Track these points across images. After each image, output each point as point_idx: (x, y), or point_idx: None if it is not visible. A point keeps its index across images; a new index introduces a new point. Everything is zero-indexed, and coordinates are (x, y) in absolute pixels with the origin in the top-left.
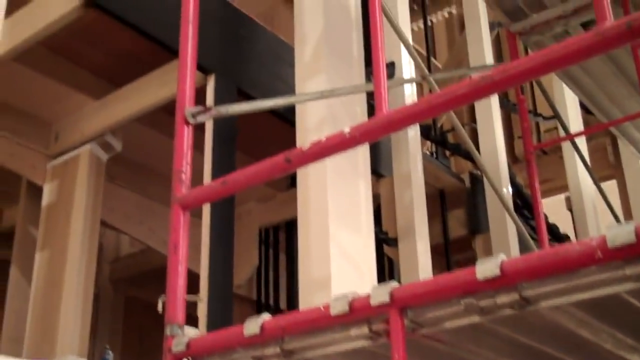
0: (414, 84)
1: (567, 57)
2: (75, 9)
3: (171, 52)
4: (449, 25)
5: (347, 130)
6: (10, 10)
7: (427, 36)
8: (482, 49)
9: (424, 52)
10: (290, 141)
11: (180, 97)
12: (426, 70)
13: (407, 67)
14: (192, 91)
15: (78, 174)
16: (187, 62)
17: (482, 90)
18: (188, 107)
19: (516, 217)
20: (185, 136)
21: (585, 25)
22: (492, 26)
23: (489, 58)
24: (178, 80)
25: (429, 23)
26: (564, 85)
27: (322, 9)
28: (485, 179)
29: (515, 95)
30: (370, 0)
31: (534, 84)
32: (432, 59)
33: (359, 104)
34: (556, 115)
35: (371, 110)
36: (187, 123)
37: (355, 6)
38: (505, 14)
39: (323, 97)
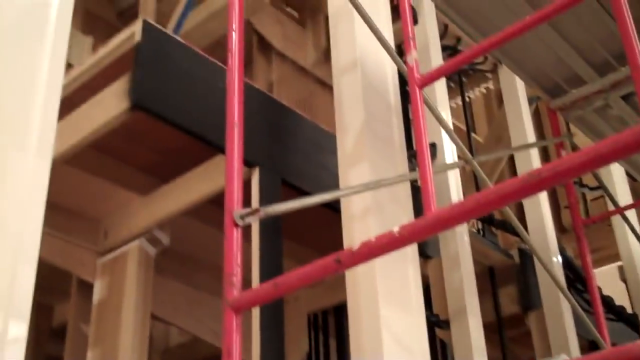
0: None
1: (617, 151)
2: (122, 112)
3: (215, 147)
4: (487, 100)
5: (396, 229)
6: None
7: (466, 112)
8: (522, 124)
9: (463, 127)
10: (335, 225)
11: (229, 200)
12: (469, 154)
13: (449, 147)
14: (239, 193)
15: (127, 270)
16: (233, 165)
17: (531, 188)
18: (236, 209)
19: (568, 293)
20: (235, 239)
21: (626, 98)
22: (530, 100)
23: (530, 133)
24: (225, 182)
25: (467, 99)
26: None
27: (361, 98)
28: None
29: None
30: (411, 90)
31: None
32: (473, 134)
33: (404, 188)
34: (602, 187)
35: (414, 191)
36: (236, 225)
37: (394, 92)
38: (543, 91)
39: (368, 189)
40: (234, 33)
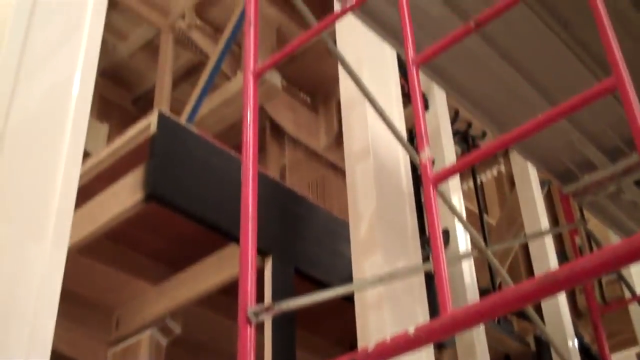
0: (470, 244)
1: (633, 254)
2: (136, 203)
3: (228, 236)
4: (499, 183)
5: (411, 330)
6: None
7: (478, 195)
8: (534, 208)
9: (475, 209)
10: (349, 314)
11: (242, 296)
12: (482, 243)
13: (462, 233)
14: (253, 288)
15: None
16: (248, 260)
17: (547, 290)
18: (250, 306)
19: None
20: (248, 336)
21: (639, 183)
22: (542, 184)
23: (543, 217)
24: (239, 278)
25: (479, 182)
26: None
27: (374, 186)
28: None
29: (574, 254)
30: (425, 188)
31: (591, 240)
32: (485, 217)
33: (417, 276)
34: (618, 275)
35: (428, 278)
36: (250, 323)
37: (407, 178)
38: (555, 176)
39: (382, 282)
40: (247, 126)
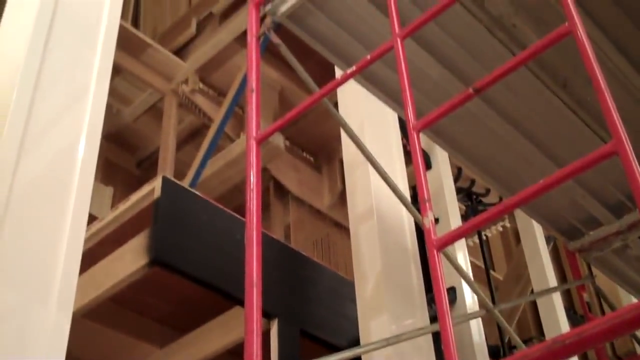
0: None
1: None
2: (141, 268)
3: (233, 299)
4: (504, 237)
5: None
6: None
7: (484, 251)
8: (541, 263)
9: (481, 264)
10: None
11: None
12: (489, 303)
13: (469, 291)
14: (259, 353)
15: None
16: (253, 326)
17: (555, 355)
18: None
19: None
20: None
21: None
22: (548, 239)
23: (549, 272)
24: (245, 342)
25: (484, 237)
26: (632, 297)
27: (378, 246)
28: None
29: (583, 310)
30: (429, 252)
31: (601, 298)
32: (492, 272)
33: (425, 337)
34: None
35: (436, 337)
36: None
37: (411, 237)
38: (560, 233)
39: (389, 345)
40: (251, 192)
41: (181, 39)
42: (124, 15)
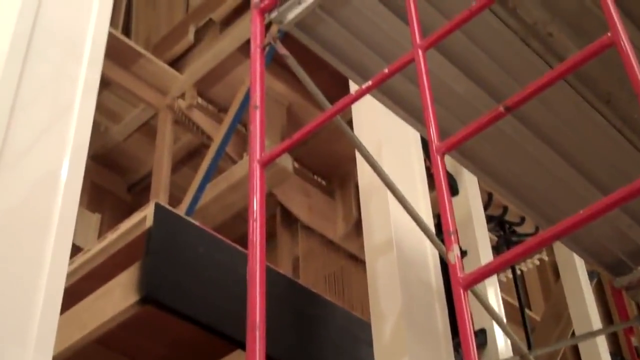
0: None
1: None
2: (131, 306)
3: (233, 342)
4: (541, 272)
5: None
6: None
7: (518, 287)
8: (583, 302)
9: (515, 302)
10: None
11: None
12: (524, 348)
13: (501, 334)
14: None
15: None
16: None
17: None
18: None
19: None
20: None
21: None
22: (591, 274)
23: (593, 311)
24: None
25: (519, 272)
26: None
27: (398, 282)
28: None
29: (631, 356)
30: (455, 291)
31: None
32: (527, 311)
33: None
34: None
35: None
36: None
37: (435, 272)
38: (605, 268)
39: None
40: (254, 222)
41: (177, 49)
42: (113, 23)
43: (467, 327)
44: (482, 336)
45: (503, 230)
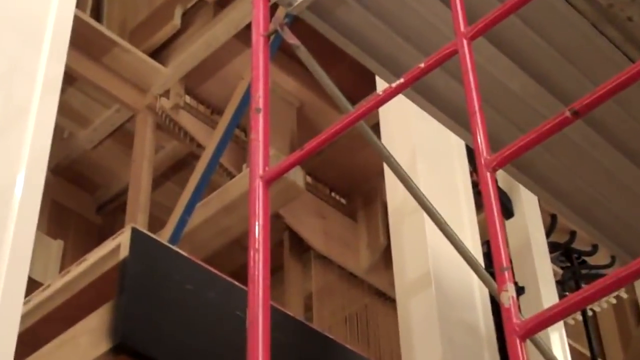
0: None
1: None
2: (102, 355)
3: None
4: (618, 313)
5: None
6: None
7: (589, 332)
8: None
9: (586, 351)
10: None
11: None
12: None
13: None
14: None
15: None
16: None
17: None
18: None
19: None
20: None
21: None
22: None
23: None
24: None
25: (590, 312)
26: None
27: (437, 327)
28: None
29: None
30: (509, 343)
31: None
32: None
33: None
34: None
35: None
36: None
37: (485, 319)
38: None
39: None
40: (256, 252)
41: (160, 36)
42: (80, 4)
43: None
44: None
45: (570, 261)
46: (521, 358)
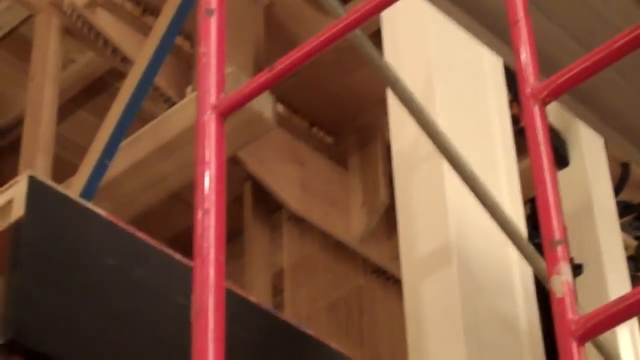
0: None
1: None
2: None
3: None
4: None
5: None
6: None
7: None
8: None
9: None
10: None
11: None
12: None
13: None
14: None
15: None
16: None
17: None
18: None
19: None
20: None
21: None
22: None
23: None
24: None
25: None
26: None
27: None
28: None
29: None
30: (561, 344)
31: None
32: None
33: None
34: None
35: None
36: None
37: (527, 309)
38: None
39: None
40: (205, 213)
41: None
42: None
43: None
44: None
45: None
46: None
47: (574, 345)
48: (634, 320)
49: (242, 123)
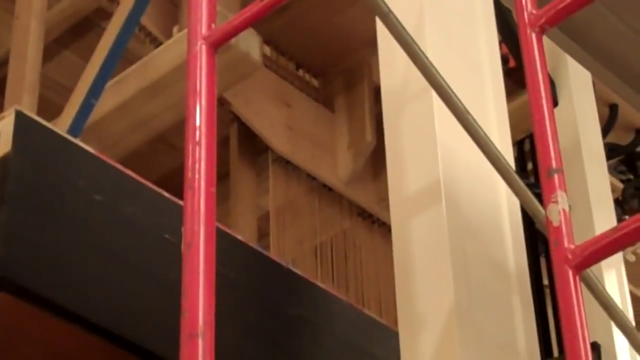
0: None
1: None
2: None
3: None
4: None
5: None
6: None
7: None
8: None
9: None
10: None
11: None
12: None
13: (626, 349)
14: None
15: None
16: None
17: None
18: None
19: None
20: None
21: None
22: None
23: None
24: None
25: None
26: None
27: (449, 261)
28: None
29: None
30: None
31: None
32: None
33: None
34: None
35: None
36: None
37: (516, 249)
38: None
39: None
40: (195, 149)
41: None
42: None
43: (580, 337)
44: (594, 354)
45: (634, 172)
46: (575, 296)
47: (570, 274)
48: (620, 260)
49: (229, 63)
